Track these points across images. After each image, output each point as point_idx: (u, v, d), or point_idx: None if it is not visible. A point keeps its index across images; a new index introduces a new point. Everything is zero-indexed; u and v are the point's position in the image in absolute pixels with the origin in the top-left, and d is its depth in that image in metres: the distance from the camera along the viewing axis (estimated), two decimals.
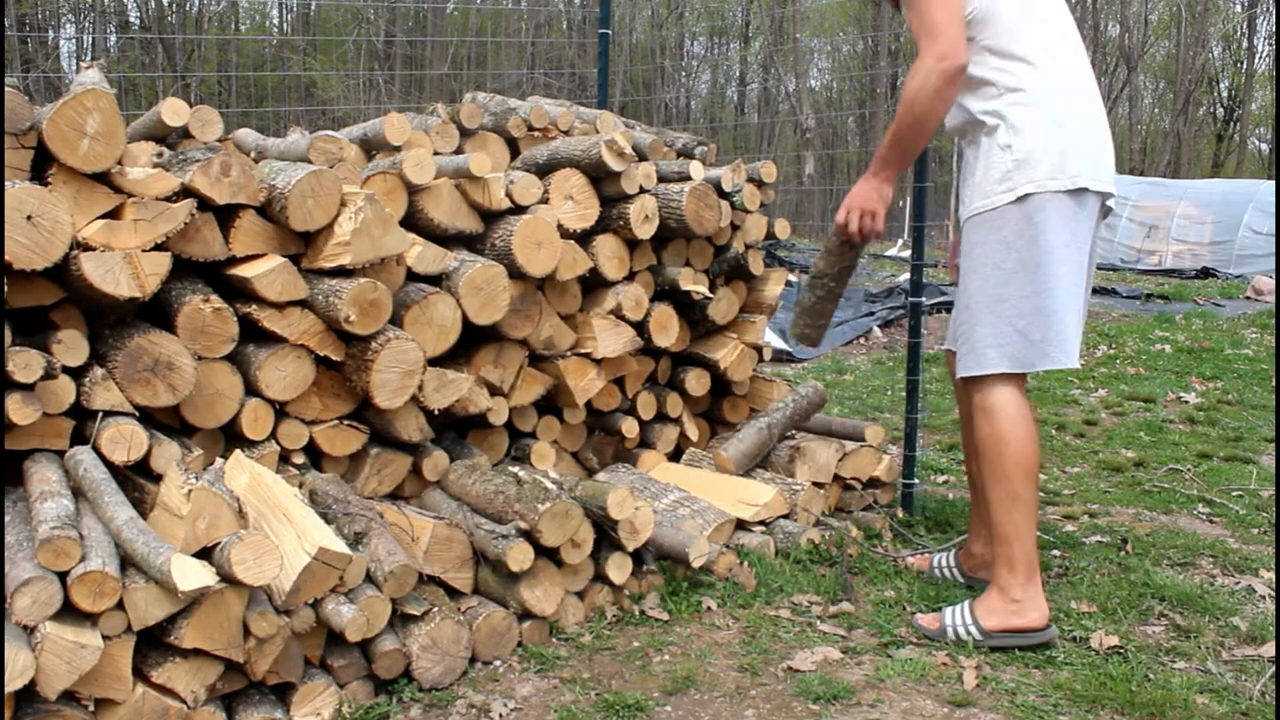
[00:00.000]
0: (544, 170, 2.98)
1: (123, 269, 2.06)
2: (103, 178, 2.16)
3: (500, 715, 2.08)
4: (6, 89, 2.06)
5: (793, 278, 9.93)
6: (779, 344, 6.82)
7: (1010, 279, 2.37)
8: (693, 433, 3.43)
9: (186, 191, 2.24)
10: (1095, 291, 10.54)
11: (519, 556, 2.31)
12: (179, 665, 1.85)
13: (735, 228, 3.32)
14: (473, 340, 2.74)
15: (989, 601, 2.41)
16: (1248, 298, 10.62)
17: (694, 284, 3.18)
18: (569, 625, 2.48)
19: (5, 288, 1.97)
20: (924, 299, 3.48)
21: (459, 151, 3.05)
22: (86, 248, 2.05)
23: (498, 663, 2.31)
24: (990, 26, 2.39)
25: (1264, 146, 31.94)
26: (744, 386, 3.52)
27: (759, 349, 3.47)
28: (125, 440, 2.07)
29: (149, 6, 21.44)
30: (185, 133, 2.94)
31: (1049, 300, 2.36)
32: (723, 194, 3.20)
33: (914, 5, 2.34)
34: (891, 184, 2.52)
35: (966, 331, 2.45)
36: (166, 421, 2.28)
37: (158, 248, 2.14)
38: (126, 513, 1.86)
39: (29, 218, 1.94)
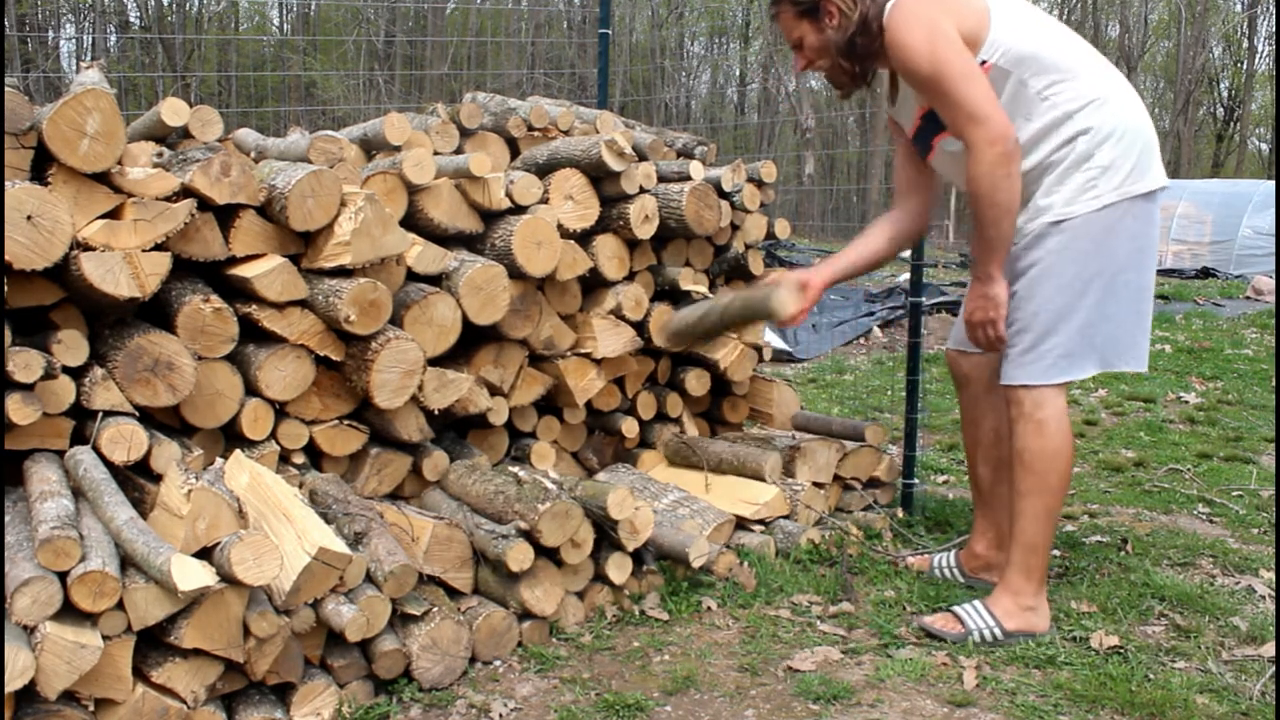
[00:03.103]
0: (544, 170, 2.98)
1: (123, 269, 2.06)
2: (103, 178, 2.16)
3: (500, 715, 2.08)
4: (6, 89, 2.05)
5: None
6: (779, 344, 6.82)
7: (1088, 288, 2.33)
8: (693, 432, 3.43)
9: (186, 191, 2.24)
10: None
11: (519, 556, 2.31)
12: (179, 665, 1.85)
13: (735, 228, 3.32)
14: (473, 340, 2.74)
15: (1003, 603, 2.42)
16: (1248, 298, 10.61)
17: (694, 284, 3.18)
18: (569, 625, 2.48)
19: (5, 288, 1.97)
20: (924, 299, 3.48)
21: (459, 151, 3.05)
22: (86, 248, 2.05)
23: (498, 663, 2.31)
24: (1031, 62, 2.31)
25: (1264, 146, 31.94)
26: (744, 386, 3.52)
27: (759, 349, 3.47)
28: (125, 440, 2.07)
29: (149, 6, 21.44)
30: (185, 133, 2.94)
31: (1123, 307, 2.37)
32: (723, 194, 3.20)
33: (944, 95, 2.26)
34: (999, 282, 2.39)
35: (1034, 339, 2.37)
36: (166, 421, 2.28)
37: (158, 248, 2.14)
38: (126, 513, 1.86)
39: (29, 218, 1.94)
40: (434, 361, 2.54)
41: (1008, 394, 2.45)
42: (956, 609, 2.47)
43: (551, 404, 3.05)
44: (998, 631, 2.40)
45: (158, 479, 2.12)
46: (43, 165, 2.15)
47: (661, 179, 3.10)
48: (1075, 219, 2.32)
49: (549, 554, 2.42)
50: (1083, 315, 2.35)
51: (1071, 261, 2.34)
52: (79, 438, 2.10)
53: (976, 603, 2.46)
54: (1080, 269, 2.33)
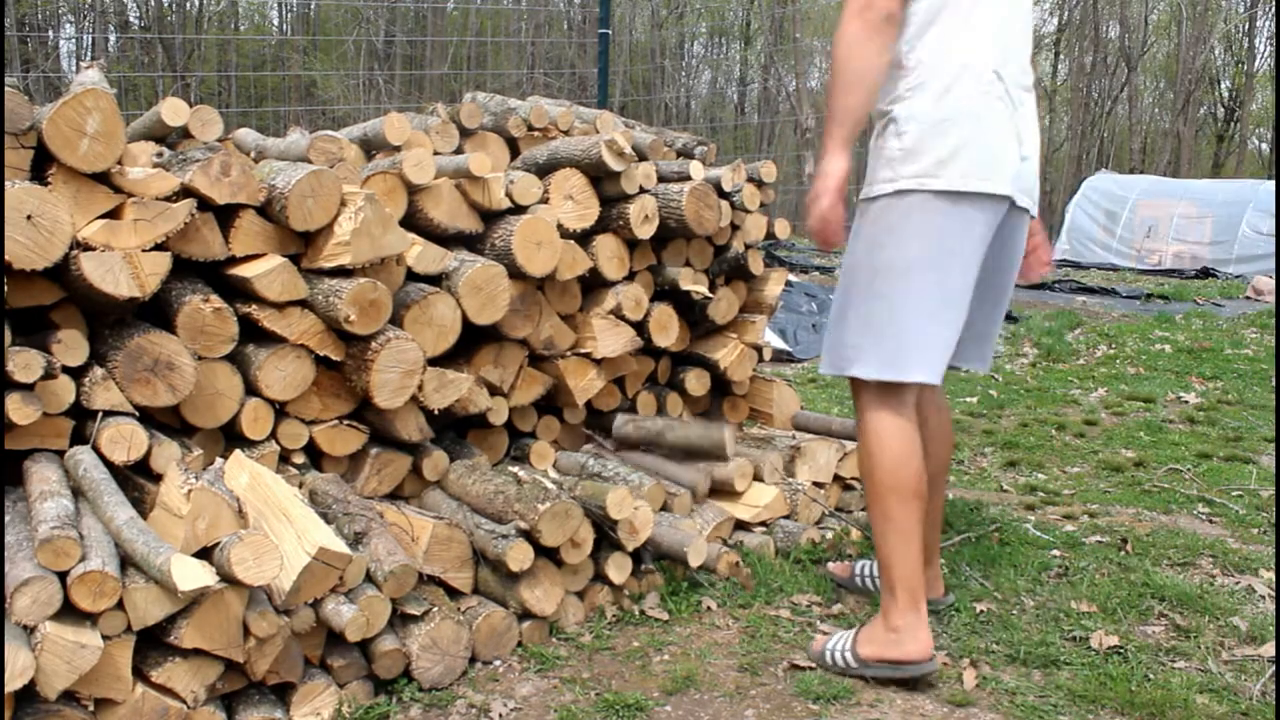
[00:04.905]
0: (544, 170, 2.98)
1: (123, 269, 2.06)
2: (103, 178, 2.16)
3: (500, 715, 2.09)
4: (6, 89, 2.06)
5: (793, 278, 9.91)
6: (779, 344, 6.81)
7: (874, 279, 2.15)
8: None
9: (186, 191, 2.24)
10: (1095, 291, 10.63)
11: (519, 556, 2.31)
12: (179, 665, 1.85)
13: (735, 228, 3.32)
14: (473, 340, 2.74)
15: (871, 629, 2.24)
16: (1248, 298, 10.61)
17: (694, 284, 3.18)
18: (569, 625, 2.48)
19: (5, 288, 1.97)
20: None
21: (459, 151, 3.05)
22: (86, 248, 2.05)
23: (498, 662, 2.31)
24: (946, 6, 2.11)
25: (1264, 146, 31.93)
26: (744, 386, 3.52)
27: (759, 349, 3.47)
28: (125, 440, 2.07)
29: (149, 6, 21.45)
30: (185, 133, 2.94)
31: (906, 309, 2.12)
32: (723, 194, 3.20)
33: None
34: (836, 156, 2.12)
35: (831, 325, 2.25)
36: (166, 421, 2.28)
37: (158, 248, 2.14)
38: (126, 513, 1.86)
39: (29, 218, 1.94)
40: (434, 361, 2.54)
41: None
42: (838, 630, 2.34)
43: (551, 404, 3.05)
44: (849, 657, 2.22)
45: (158, 479, 2.12)
46: (43, 165, 2.15)
47: (661, 179, 3.10)
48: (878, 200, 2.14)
49: (549, 554, 2.42)
50: (870, 307, 2.15)
51: (866, 246, 2.17)
52: (79, 438, 2.10)
53: (858, 626, 2.30)
54: (873, 257, 2.15)
